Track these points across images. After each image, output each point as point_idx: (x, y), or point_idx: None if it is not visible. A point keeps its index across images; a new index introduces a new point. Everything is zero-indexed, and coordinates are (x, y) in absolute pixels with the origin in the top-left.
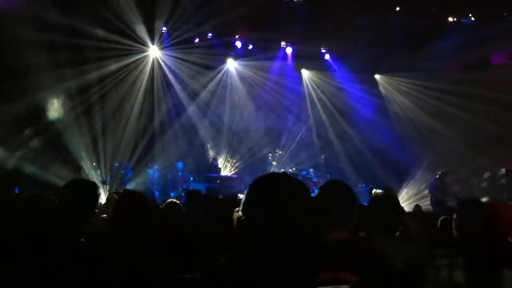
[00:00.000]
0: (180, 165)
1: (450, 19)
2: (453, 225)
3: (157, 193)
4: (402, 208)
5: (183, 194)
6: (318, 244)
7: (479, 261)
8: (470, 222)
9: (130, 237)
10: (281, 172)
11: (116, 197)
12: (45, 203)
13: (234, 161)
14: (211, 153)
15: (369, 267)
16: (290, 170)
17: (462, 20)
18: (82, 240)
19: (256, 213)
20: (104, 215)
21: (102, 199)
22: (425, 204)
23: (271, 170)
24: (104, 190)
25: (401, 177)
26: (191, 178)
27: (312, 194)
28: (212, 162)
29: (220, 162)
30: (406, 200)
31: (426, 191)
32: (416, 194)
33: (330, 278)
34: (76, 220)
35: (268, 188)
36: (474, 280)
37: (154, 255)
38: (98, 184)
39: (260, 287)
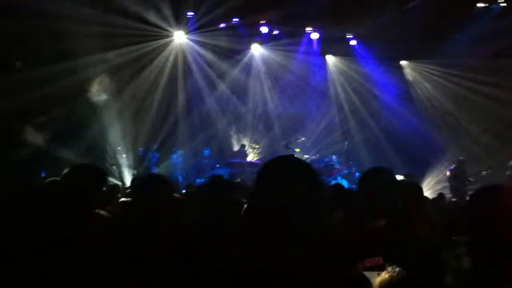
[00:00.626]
0: (206, 152)
1: (479, 4)
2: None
3: (180, 178)
4: (423, 195)
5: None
6: (359, 233)
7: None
8: (480, 210)
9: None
10: (290, 155)
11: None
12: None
13: (258, 147)
14: (235, 139)
15: (409, 254)
16: (313, 156)
17: (492, 6)
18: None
19: (262, 195)
20: (123, 199)
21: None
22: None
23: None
24: (128, 175)
25: (426, 164)
26: (217, 165)
27: (334, 181)
28: (240, 148)
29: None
30: (430, 188)
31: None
32: (439, 182)
33: (376, 264)
34: (78, 206)
35: (273, 171)
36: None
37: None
38: (116, 168)
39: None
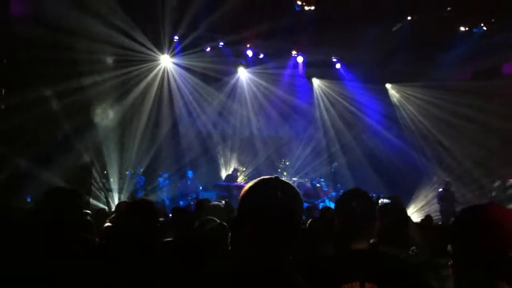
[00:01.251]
0: (189, 173)
1: (462, 28)
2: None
3: (167, 201)
4: (408, 217)
5: (192, 203)
6: (343, 254)
7: (478, 273)
8: (466, 229)
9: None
10: (273, 177)
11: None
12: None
13: (244, 170)
14: (222, 161)
15: (391, 277)
16: (300, 179)
17: (474, 30)
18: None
19: (244, 217)
20: (108, 224)
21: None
22: (436, 214)
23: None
24: (112, 199)
25: (411, 187)
26: (200, 187)
27: (322, 204)
28: (232, 172)
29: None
30: (416, 210)
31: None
32: (426, 204)
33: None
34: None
35: (256, 191)
36: None
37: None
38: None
39: None
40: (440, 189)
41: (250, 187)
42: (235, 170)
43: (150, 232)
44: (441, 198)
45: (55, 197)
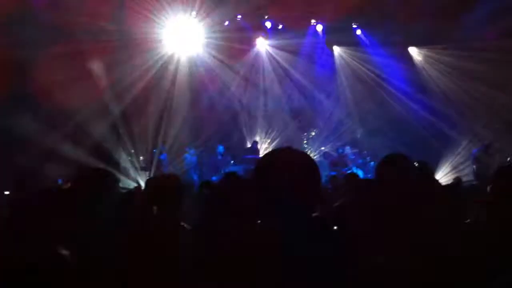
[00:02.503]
0: (220, 148)
1: None
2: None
3: (195, 177)
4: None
5: None
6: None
7: None
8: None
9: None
10: (286, 147)
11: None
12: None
13: (269, 142)
14: (248, 135)
15: None
16: (324, 148)
17: None
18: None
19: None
20: None
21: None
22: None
23: (307, 150)
24: (142, 177)
25: (441, 149)
26: (232, 162)
27: (349, 171)
28: (252, 144)
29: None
30: (446, 173)
31: (467, 163)
32: (456, 167)
33: None
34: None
35: (268, 162)
36: None
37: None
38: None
39: None
40: (475, 149)
41: (261, 158)
42: (255, 142)
43: (176, 206)
44: (476, 159)
45: (89, 177)
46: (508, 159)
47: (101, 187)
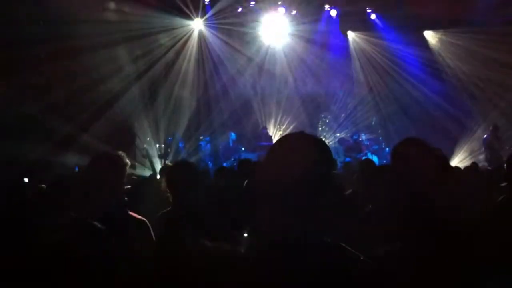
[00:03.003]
0: (233, 135)
1: None
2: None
3: (210, 164)
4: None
5: (235, 164)
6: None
7: None
8: None
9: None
10: (300, 132)
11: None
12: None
13: (284, 128)
14: (261, 122)
15: None
16: (340, 134)
17: None
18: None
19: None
20: None
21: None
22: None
23: (322, 136)
24: (158, 165)
25: (455, 135)
26: (242, 148)
27: (364, 157)
28: (261, 130)
29: (271, 131)
30: (461, 160)
31: (481, 149)
32: (470, 154)
33: None
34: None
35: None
36: None
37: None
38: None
39: None
40: (486, 135)
41: (273, 143)
42: (264, 128)
43: (193, 191)
44: (487, 145)
45: (101, 163)
46: None
47: (114, 173)
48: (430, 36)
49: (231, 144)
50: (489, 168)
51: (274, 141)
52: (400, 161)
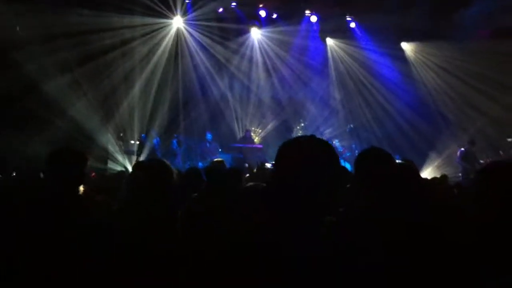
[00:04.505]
0: (209, 136)
1: None
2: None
3: (180, 163)
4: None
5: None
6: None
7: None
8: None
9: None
10: (310, 135)
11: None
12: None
13: (259, 131)
14: (237, 124)
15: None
16: None
17: None
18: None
19: (284, 172)
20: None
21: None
22: (452, 173)
23: None
24: (130, 161)
25: (428, 147)
26: (220, 150)
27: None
28: (245, 133)
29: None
30: (433, 170)
31: (453, 162)
32: (442, 165)
33: None
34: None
35: (295, 147)
36: None
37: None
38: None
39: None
40: (462, 148)
41: (283, 145)
42: (248, 131)
43: (166, 193)
44: (462, 157)
45: (58, 159)
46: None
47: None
48: (407, 47)
49: (208, 145)
50: (460, 180)
51: (253, 143)
52: (360, 171)
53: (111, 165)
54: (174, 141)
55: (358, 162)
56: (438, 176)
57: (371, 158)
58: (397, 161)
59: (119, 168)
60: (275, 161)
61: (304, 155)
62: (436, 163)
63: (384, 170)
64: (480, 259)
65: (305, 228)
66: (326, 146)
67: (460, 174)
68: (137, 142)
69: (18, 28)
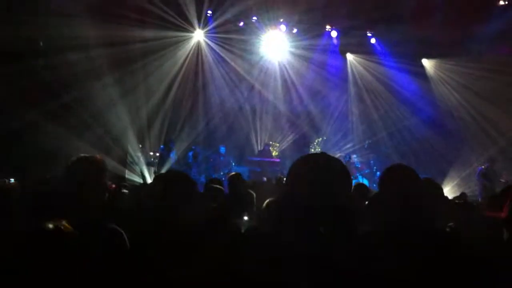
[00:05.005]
0: (222, 149)
1: (501, 2)
2: None
3: (196, 175)
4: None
5: (223, 179)
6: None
7: None
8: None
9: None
10: (321, 153)
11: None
12: None
13: (277, 145)
14: (255, 137)
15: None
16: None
17: None
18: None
19: (295, 186)
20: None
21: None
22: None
23: None
24: (150, 172)
25: (447, 164)
26: (233, 163)
27: (355, 180)
28: (264, 147)
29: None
30: (452, 188)
31: (472, 181)
32: (461, 183)
33: None
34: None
35: (305, 164)
36: None
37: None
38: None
39: None
40: (482, 166)
41: (294, 162)
42: (267, 145)
43: (186, 203)
44: (483, 175)
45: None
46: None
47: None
48: (428, 64)
49: (221, 158)
50: (478, 200)
51: (268, 157)
52: (388, 187)
53: (128, 175)
54: (190, 153)
55: (385, 178)
56: (457, 194)
57: (399, 175)
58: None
59: (136, 179)
60: (286, 177)
61: (312, 173)
62: (455, 181)
63: (413, 187)
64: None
65: (316, 241)
66: (335, 163)
67: (477, 193)
68: (157, 154)
69: (41, 43)
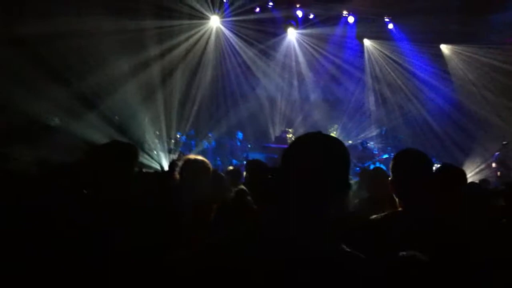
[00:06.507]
0: (239, 135)
1: None
2: None
3: (219, 162)
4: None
5: (244, 162)
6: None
7: None
8: None
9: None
10: (317, 131)
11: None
12: None
13: (292, 131)
14: (271, 123)
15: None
16: (350, 142)
17: None
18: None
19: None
20: None
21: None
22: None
23: None
24: (167, 159)
25: (465, 150)
26: (249, 146)
27: (372, 166)
28: (281, 133)
29: (278, 133)
30: (471, 174)
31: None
32: (480, 170)
33: None
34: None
35: (298, 145)
36: None
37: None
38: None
39: None
40: (497, 152)
41: (292, 142)
42: (284, 132)
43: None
44: (499, 161)
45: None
46: None
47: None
48: (446, 49)
49: (238, 143)
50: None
51: (284, 144)
52: (398, 171)
53: (144, 161)
54: (208, 139)
55: (396, 162)
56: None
57: (410, 159)
58: (435, 164)
59: (153, 165)
60: (282, 155)
61: (302, 153)
62: (473, 168)
63: (424, 172)
64: None
65: (311, 224)
66: (330, 142)
67: (493, 179)
68: (177, 141)
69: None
